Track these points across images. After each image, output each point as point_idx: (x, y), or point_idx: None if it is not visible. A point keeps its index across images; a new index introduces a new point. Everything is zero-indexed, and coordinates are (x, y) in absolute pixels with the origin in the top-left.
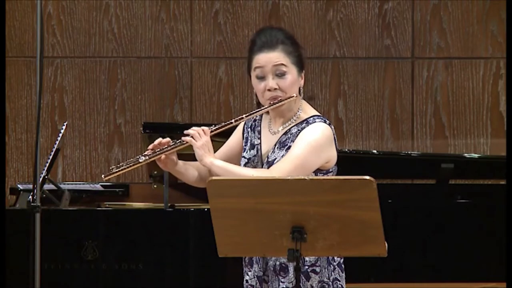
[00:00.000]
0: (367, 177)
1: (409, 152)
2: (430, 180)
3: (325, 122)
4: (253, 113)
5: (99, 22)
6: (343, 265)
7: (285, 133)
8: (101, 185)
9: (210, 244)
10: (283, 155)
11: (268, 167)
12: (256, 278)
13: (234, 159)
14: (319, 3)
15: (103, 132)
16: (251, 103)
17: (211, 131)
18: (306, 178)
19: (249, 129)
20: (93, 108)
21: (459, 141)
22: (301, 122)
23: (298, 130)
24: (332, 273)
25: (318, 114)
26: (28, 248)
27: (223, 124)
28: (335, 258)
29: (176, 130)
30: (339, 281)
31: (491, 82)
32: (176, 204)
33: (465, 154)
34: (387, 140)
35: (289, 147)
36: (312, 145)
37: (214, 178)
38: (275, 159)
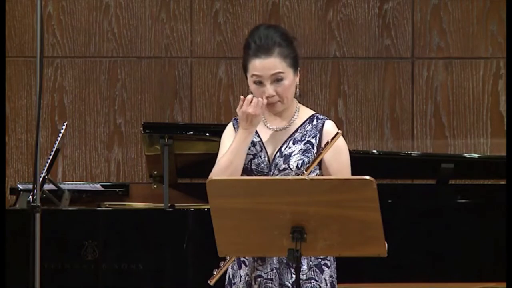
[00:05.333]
0: (367, 177)
1: (409, 152)
2: (430, 180)
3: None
4: (314, 162)
5: (99, 22)
6: None
7: (296, 131)
8: (101, 185)
9: (210, 244)
10: (301, 148)
11: (284, 161)
12: (275, 271)
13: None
14: (319, 3)
15: (103, 132)
16: None
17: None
18: (306, 178)
19: None
20: (93, 108)
21: (459, 141)
22: (311, 119)
23: (313, 127)
24: (335, 270)
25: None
26: (28, 248)
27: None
28: (335, 257)
29: (176, 130)
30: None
31: (491, 82)
32: (176, 204)
33: (465, 154)
34: (387, 140)
35: (308, 141)
36: (347, 148)
37: (214, 178)
38: (293, 152)
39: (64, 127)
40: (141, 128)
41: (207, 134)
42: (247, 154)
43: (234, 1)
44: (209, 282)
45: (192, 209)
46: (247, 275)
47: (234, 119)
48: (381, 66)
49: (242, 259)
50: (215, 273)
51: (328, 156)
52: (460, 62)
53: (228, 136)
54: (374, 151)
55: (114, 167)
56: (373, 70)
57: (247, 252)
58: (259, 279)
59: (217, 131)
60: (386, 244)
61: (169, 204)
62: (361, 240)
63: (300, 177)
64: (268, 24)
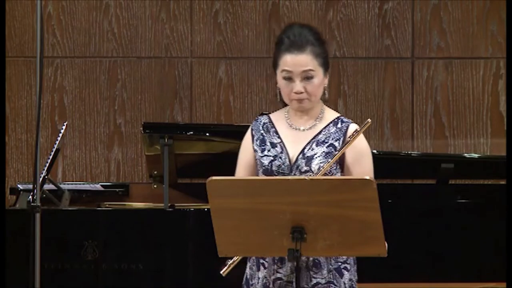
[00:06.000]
0: (367, 177)
1: (409, 152)
2: (430, 180)
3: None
4: (337, 157)
5: (99, 22)
6: None
7: (320, 132)
8: (101, 185)
9: (210, 244)
10: (323, 151)
11: (306, 163)
12: (295, 274)
13: (254, 171)
14: (319, 3)
15: (103, 132)
16: (251, 103)
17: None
18: (306, 178)
19: (262, 131)
20: (93, 108)
21: (459, 141)
22: (335, 122)
23: (337, 130)
24: (355, 273)
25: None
26: (28, 248)
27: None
28: (355, 260)
29: (176, 130)
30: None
31: (491, 82)
32: (176, 204)
33: (465, 154)
34: (387, 140)
35: (331, 144)
36: (370, 153)
37: (214, 178)
38: (316, 154)
39: (64, 127)
40: (141, 128)
41: (207, 134)
42: (267, 156)
43: (234, 1)
44: (221, 272)
45: (192, 209)
46: (265, 277)
47: (255, 120)
48: (381, 66)
49: (261, 261)
50: (228, 262)
51: (350, 159)
52: (460, 62)
53: (244, 148)
54: (374, 151)
55: (114, 167)
56: (373, 70)
57: (247, 252)
58: (278, 281)
59: (217, 131)
60: (386, 244)
61: (169, 204)
62: (361, 240)
63: (300, 177)
64: (302, 23)
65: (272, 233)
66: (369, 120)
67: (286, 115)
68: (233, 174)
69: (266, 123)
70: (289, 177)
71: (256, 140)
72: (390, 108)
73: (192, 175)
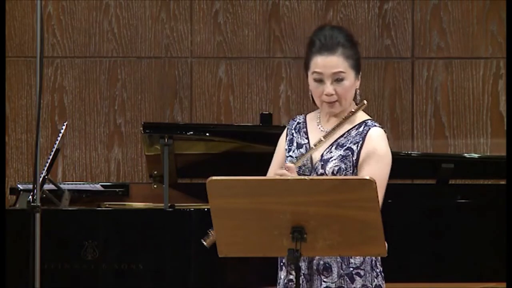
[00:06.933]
0: (367, 177)
1: (409, 152)
2: (430, 180)
3: (382, 128)
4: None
5: (99, 22)
6: (383, 274)
7: (343, 135)
8: (101, 185)
9: None
10: (340, 154)
11: (322, 166)
12: (303, 277)
13: None
14: (319, 3)
15: (103, 132)
16: (251, 103)
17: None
18: (306, 178)
19: (293, 131)
20: (93, 108)
21: (459, 141)
22: (359, 125)
23: (358, 133)
24: (375, 279)
25: (369, 116)
26: (28, 248)
27: (303, 154)
28: (378, 265)
29: (176, 130)
30: None
31: (491, 82)
32: (176, 204)
33: (465, 154)
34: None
35: (348, 147)
36: (388, 161)
37: (214, 178)
38: (332, 157)
39: (64, 127)
40: (141, 128)
41: (207, 134)
42: (291, 157)
43: (234, 1)
44: (204, 243)
45: (192, 209)
46: (285, 278)
47: (293, 119)
48: (381, 66)
49: (283, 261)
50: (211, 234)
51: (361, 160)
52: (460, 62)
53: (279, 146)
54: None
55: (114, 167)
56: (373, 70)
57: (247, 252)
58: (290, 283)
59: (217, 131)
60: (386, 244)
61: (169, 204)
62: (361, 240)
63: (300, 177)
64: (333, 25)
65: (272, 233)
66: (364, 101)
67: (318, 115)
68: (232, 174)
69: (300, 123)
70: (289, 177)
71: (288, 140)
72: (390, 108)
73: (192, 175)
